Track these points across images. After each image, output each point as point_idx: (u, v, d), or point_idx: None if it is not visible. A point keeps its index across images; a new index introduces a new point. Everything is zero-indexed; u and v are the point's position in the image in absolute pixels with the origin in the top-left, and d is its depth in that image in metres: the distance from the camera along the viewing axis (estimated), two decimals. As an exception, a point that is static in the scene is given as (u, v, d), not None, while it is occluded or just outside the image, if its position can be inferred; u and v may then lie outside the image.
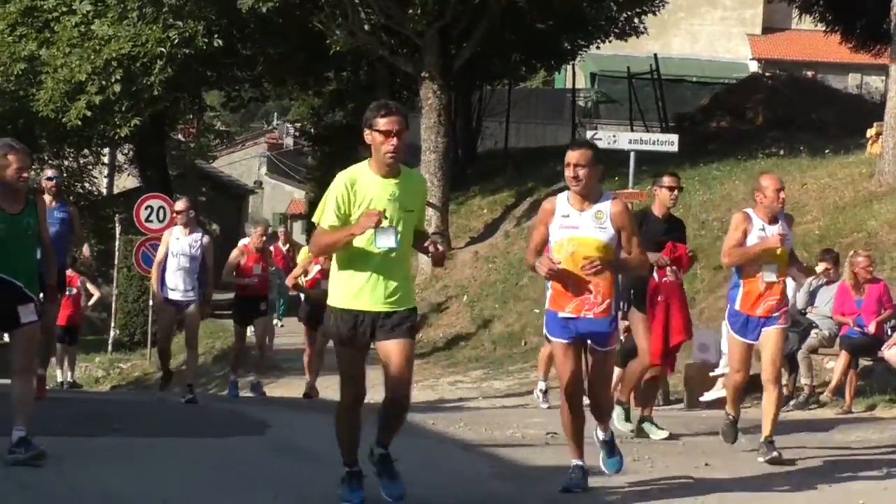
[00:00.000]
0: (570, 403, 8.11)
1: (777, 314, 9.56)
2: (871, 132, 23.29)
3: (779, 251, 9.42)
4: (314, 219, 7.42)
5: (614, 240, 7.98)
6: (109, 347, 24.84)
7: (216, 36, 25.99)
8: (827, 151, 24.20)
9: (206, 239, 14.31)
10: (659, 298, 11.03)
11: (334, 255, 7.42)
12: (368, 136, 7.23)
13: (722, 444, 10.42)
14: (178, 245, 14.12)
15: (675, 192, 11.26)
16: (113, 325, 25.12)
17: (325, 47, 25.90)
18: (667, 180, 11.28)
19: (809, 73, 39.77)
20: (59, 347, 19.60)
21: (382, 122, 7.17)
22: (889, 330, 13.82)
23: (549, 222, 8.06)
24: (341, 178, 7.26)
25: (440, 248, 7.44)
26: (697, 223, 20.71)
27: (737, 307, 9.64)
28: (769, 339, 9.56)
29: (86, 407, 13.25)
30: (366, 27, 25.45)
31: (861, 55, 31.35)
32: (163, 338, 14.88)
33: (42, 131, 28.10)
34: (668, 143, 20.49)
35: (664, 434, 11.11)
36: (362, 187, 7.21)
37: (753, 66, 42.88)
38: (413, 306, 7.39)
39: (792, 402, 13.75)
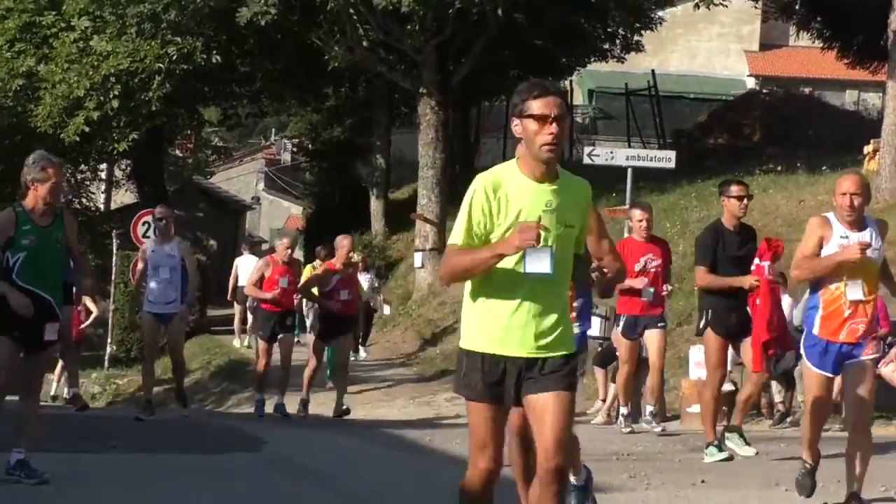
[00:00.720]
0: (521, 438, 6.90)
1: (864, 342, 8.02)
2: (868, 149, 23.35)
3: (861, 261, 7.78)
4: (449, 240, 5.66)
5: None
6: (106, 363, 24.78)
7: (214, 52, 26.07)
8: (824, 168, 24.24)
9: (182, 245, 14.03)
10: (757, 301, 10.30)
11: (468, 284, 5.66)
12: (518, 126, 5.54)
13: (718, 461, 10.38)
14: (155, 257, 13.76)
15: (745, 200, 10.49)
16: (109, 340, 25.06)
17: (324, 63, 25.96)
18: (734, 189, 10.54)
19: (807, 90, 39.76)
20: (59, 364, 19.53)
21: (537, 105, 5.47)
22: (885, 347, 13.79)
23: None
24: (480, 182, 5.55)
25: (608, 272, 5.92)
26: (694, 240, 20.65)
27: (815, 331, 8.06)
28: (855, 375, 8.07)
29: (83, 423, 13.25)
30: (364, 43, 25.49)
31: (858, 72, 31.37)
32: (148, 353, 14.43)
33: (40, 147, 28.03)
34: (666, 159, 20.40)
35: (752, 451, 10.60)
36: (509, 194, 5.50)
37: (751, 83, 42.88)
38: (572, 352, 5.64)
39: (789, 419, 13.76)
